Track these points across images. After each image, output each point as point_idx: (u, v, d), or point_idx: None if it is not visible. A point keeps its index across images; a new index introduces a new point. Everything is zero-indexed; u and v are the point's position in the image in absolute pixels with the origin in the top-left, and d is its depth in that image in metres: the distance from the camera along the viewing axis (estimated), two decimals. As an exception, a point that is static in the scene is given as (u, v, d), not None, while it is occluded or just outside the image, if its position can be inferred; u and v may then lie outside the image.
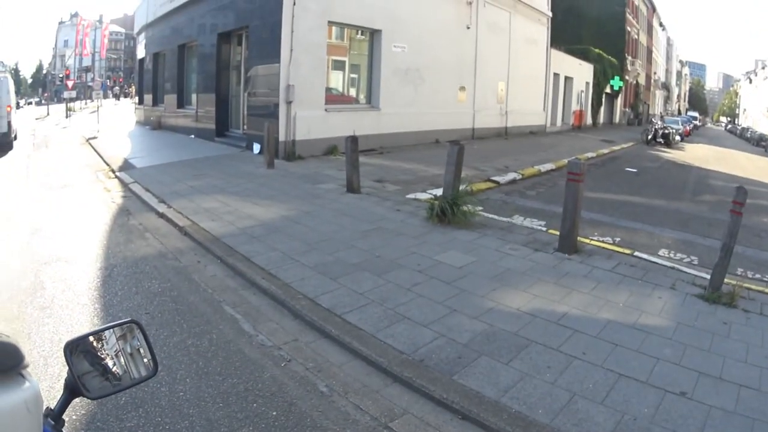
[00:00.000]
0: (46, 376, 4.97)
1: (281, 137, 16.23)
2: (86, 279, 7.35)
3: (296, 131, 16.59)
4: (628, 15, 61.02)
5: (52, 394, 4.59)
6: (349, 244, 8.29)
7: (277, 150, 15.70)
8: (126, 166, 15.80)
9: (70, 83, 46.09)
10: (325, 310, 5.99)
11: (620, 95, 59.17)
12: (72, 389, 1.72)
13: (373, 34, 19.58)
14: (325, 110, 17.51)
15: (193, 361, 5.17)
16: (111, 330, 1.84)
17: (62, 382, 4.54)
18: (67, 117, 42.28)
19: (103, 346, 1.81)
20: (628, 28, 61.82)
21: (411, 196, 11.57)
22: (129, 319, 1.89)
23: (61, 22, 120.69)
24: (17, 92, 34.63)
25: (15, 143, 26.77)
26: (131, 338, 1.87)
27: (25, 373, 1.67)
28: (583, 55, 44.05)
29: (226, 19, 19.73)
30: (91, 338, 1.79)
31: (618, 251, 8.81)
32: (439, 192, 10.78)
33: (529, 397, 4.43)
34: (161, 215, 10.13)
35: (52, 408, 1.68)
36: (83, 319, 6.12)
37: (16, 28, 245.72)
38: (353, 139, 11.54)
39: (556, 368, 4.87)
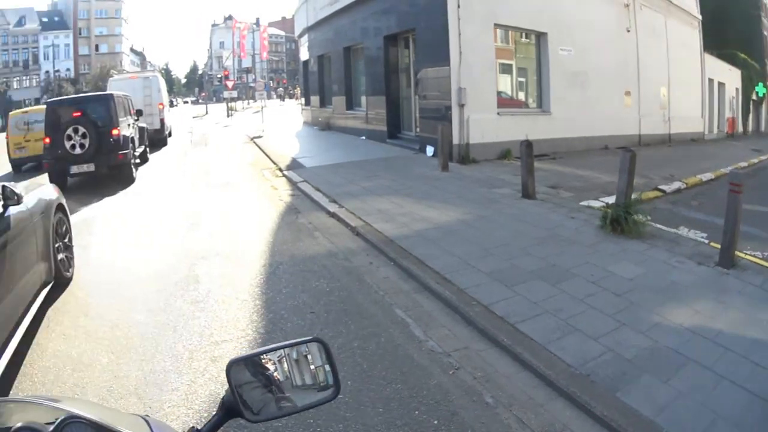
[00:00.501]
0: (189, 369, 5.21)
1: (455, 140, 16.31)
2: (248, 275, 7.63)
3: (470, 134, 16.64)
4: (763, 18, 57.12)
5: (193, 389, 4.88)
6: (524, 250, 8.21)
7: (450, 153, 15.81)
8: (294, 165, 16.30)
9: (230, 83, 47.97)
10: (498, 318, 5.96)
11: (764, 102, 55.47)
12: (229, 409, 1.71)
13: (539, 37, 19.40)
14: (498, 114, 17.49)
15: (357, 363, 5.22)
16: (289, 348, 1.80)
17: (206, 377, 5.01)
18: (228, 116, 44.06)
19: (275, 364, 1.78)
20: (766, 33, 57.86)
21: (584, 203, 11.37)
22: (311, 337, 1.82)
23: (214, 25, 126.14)
24: (170, 91, 36.45)
25: (169, 140, 28.36)
26: (311, 357, 1.82)
27: None
28: (731, 60, 41.66)
29: (390, 22, 20.05)
30: (263, 357, 1.78)
31: (768, 267, 8.35)
32: (610, 200, 10.60)
33: (681, 418, 4.33)
34: (332, 215, 10.33)
35: (199, 429, 1.69)
36: (240, 315, 6.37)
37: (168, 30, 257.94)
38: (528, 144, 11.49)
39: (706, 388, 4.72)
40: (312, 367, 1.82)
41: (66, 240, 8.25)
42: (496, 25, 17.84)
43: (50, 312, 7.01)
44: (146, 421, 1.67)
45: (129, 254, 9.24)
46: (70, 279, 8.02)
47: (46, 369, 5.64)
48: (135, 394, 4.88)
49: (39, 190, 7.91)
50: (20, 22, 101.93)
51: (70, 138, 15.37)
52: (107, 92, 18.38)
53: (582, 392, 4.65)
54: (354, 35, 23.53)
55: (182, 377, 5.07)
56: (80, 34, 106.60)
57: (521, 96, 20.09)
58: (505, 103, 18.40)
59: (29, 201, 7.01)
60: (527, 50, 19.89)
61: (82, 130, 15.36)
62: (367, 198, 11.19)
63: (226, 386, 1.68)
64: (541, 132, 17.93)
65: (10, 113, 26.44)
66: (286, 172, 15.22)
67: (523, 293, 6.63)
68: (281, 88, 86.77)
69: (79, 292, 7.66)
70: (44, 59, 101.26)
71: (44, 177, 15.77)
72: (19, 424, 1.44)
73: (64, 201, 8.45)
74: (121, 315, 6.67)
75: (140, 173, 17.88)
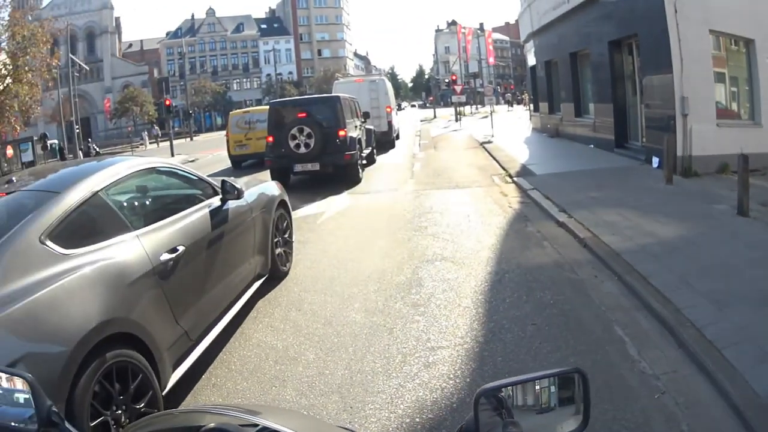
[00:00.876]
0: (400, 373, 5.06)
1: (678, 152, 15.43)
2: (472, 282, 7.42)
3: (692, 146, 15.67)
4: None
5: (399, 393, 4.72)
6: (740, 272, 7.48)
7: (674, 165, 14.96)
8: (524, 171, 16.01)
9: (458, 88, 48.15)
10: (707, 342, 5.44)
11: None
12: None
13: (748, 44, 17.88)
14: (717, 125, 16.35)
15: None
16: (544, 379, 1.65)
17: (415, 382, 4.76)
18: (456, 120, 44.33)
19: (526, 393, 1.64)
20: None
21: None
22: (573, 367, 1.67)
23: (438, 30, 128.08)
24: (396, 95, 37.19)
25: (397, 143, 28.82)
26: (565, 388, 1.67)
27: None
28: None
29: (613, 27, 19.17)
30: (516, 387, 1.64)
31: None
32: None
33: None
34: (561, 224, 9.98)
35: None
36: (461, 322, 6.16)
37: (392, 35, 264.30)
38: (745, 158, 10.59)
39: None
40: (562, 396, 1.66)
41: (286, 235, 8.49)
42: (711, 32, 16.64)
43: (261, 304, 7.21)
44: None
45: (350, 253, 9.32)
46: (286, 273, 8.23)
47: (246, 358, 5.77)
48: (338, 393, 4.85)
49: (261, 186, 8.23)
50: (238, 29, 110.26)
51: (294, 137, 15.92)
52: (334, 94, 19.01)
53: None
54: (578, 40, 22.81)
55: (390, 380, 4.94)
56: (301, 39, 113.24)
57: (734, 107, 18.65)
58: (721, 114, 17.15)
59: (250, 196, 7.29)
60: (737, 58, 18.40)
61: (307, 130, 15.87)
62: (595, 208, 10.68)
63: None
64: (754, 145, 16.51)
65: (231, 113, 28.11)
66: (515, 179, 14.92)
67: (733, 317, 5.97)
68: (509, 94, 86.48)
69: (295, 286, 7.81)
70: (265, 63, 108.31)
71: (265, 174, 16.51)
72: (212, 425, 1.58)
73: (286, 198, 8.71)
74: (335, 312, 6.70)
75: (366, 174, 18.23)
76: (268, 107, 20.00)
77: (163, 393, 4.55)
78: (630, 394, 4.71)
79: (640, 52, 17.66)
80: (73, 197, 4.57)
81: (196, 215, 5.95)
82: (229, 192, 6.56)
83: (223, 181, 6.69)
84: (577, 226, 9.60)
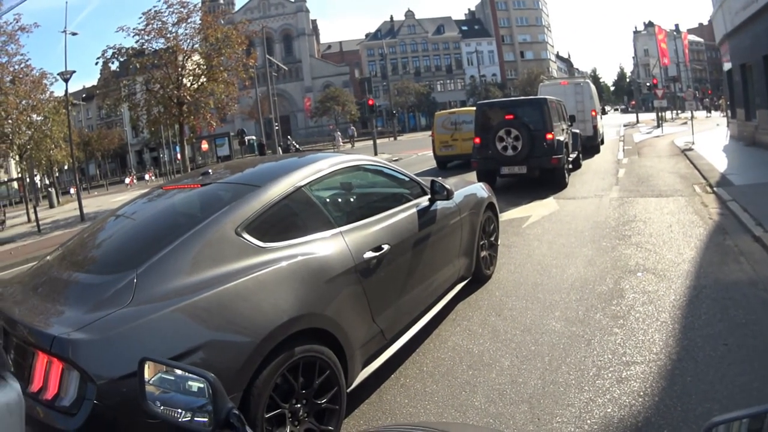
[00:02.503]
0: (592, 387, 4.90)
1: None
2: (671, 295, 7.07)
3: None
4: None
5: (589, 408, 4.58)
6: None
7: None
8: (723, 181, 15.02)
9: (659, 92, 45.93)
10: None
11: None
12: None
13: None
14: None
15: (749, 406, 4.53)
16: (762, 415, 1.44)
17: (606, 398, 4.65)
18: (658, 126, 42.44)
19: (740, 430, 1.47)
20: None
21: None
22: None
23: (635, 31, 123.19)
24: (599, 98, 35.68)
25: (602, 147, 27.67)
26: None
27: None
28: None
29: None
30: (741, 421, 1.47)
31: None
32: None
33: None
34: (757, 239, 9.30)
35: None
36: (657, 337, 5.87)
37: (593, 36, 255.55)
38: None
39: None
40: None
41: (492, 238, 8.35)
42: None
43: (460, 306, 7.15)
44: None
45: (554, 259, 9.13)
46: (489, 277, 8.13)
47: (439, 360, 5.72)
48: (527, 402, 4.75)
49: (471, 188, 8.08)
50: (439, 31, 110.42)
51: (501, 140, 15.66)
52: (541, 97, 18.37)
53: None
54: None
55: (582, 394, 4.82)
56: (503, 41, 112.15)
57: None
58: None
59: (458, 197, 7.12)
60: None
61: (514, 132, 15.54)
62: (790, 223, 9.84)
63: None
64: None
65: (436, 113, 27.83)
66: (715, 189, 14.04)
67: None
68: (707, 99, 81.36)
69: (496, 291, 7.73)
70: (468, 64, 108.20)
71: (471, 175, 16.40)
72: None
73: (494, 200, 8.56)
74: (535, 320, 6.57)
75: (572, 179, 17.74)
76: (474, 108, 19.72)
77: (349, 390, 4.52)
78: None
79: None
80: (275, 191, 4.58)
81: (403, 214, 5.84)
82: (439, 192, 6.45)
83: (433, 181, 6.59)
84: (772, 241, 8.99)
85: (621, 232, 10.53)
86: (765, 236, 9.18)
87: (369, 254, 4.93)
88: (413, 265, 5.83)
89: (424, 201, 6.35)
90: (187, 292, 3.64)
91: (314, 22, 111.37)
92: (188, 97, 27.67)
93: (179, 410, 1.95)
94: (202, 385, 1.88)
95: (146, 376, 2.03)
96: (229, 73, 29.35)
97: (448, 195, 6.54)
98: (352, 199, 6.11)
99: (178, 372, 2.00)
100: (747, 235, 9.65)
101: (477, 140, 16.78)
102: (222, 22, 32.61)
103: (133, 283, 3.60)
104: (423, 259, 6.04)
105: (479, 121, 17.06)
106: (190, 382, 1.95)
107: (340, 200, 5.81)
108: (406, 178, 6.57)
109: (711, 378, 4.92)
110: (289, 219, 4.77)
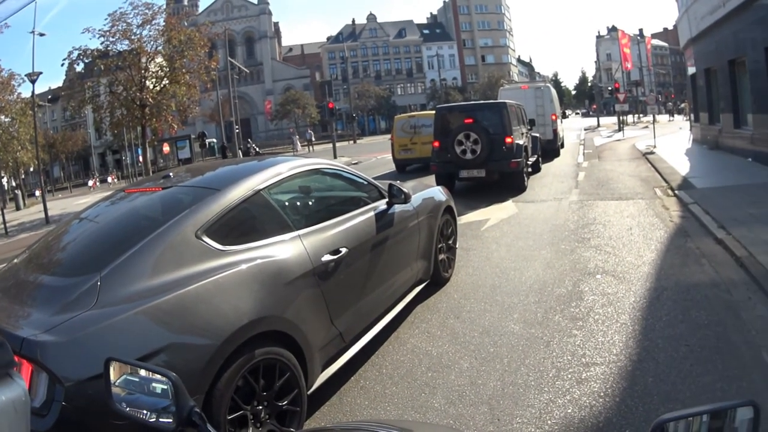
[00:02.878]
0: (552, 388, 4.88)
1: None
2: (631, 297, 7.06)
3: None
4: None
5: (549, 409, 4.57)
6: None
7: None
8: (684, 185, 15.17)
9: (621, 96, 46.37)
10: None
11: None
12: None
13: None
14: None
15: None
16: (716, 411, 1.49)
17: (566, 399, 4.53)
18: (619, 130, 42.84)
19: (692, 426, 1.48)
20: None
21: None
22: (746, 399, 1.50)
23: (599, 36, 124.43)
24: (560, 103, 36.08)
25: (562, 151, 28.04)
26: (728, 422, 1.49)
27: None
28: None
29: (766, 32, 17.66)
30: (692, 418, 1.48)
31: None
32: None
33: None
34: (719, 241, 9.37)
35: None
36: (617, 339, 5.86)
37: (554, 40, 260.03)
38: None
39: None
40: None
41: (450, 242, 8.34)
42: None
43: (419, 309, 7.12)
44: None
45: (513, 262, 9.10)
46: (447, 280, 8.10)
47: (398, 362, 5.70)
48: (487, 404, 4.72)
49: (429, 191, 8.10)
50: (400, 34, 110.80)
51: (461, 143, 15.67)
52: (500, 101, 18.51)
53: None
54: (735, 47, 21.09)
55: (542, 395, 4.77)
56: (464, 45, 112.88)
57: None
58: None
59: (416, 200, 7.16)
60: None
61: (474, 136, 15.57)
62: (753, 226, 9.90)
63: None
64: None
65: (396, 117, 28.13)
66: (677, 192, 14.17)
67: None
68: (670, 103, 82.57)
69: (455, 293, 7.69)
70: (428, 68, 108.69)
71: (430, 178, 16.39)
72: None
73: (452, 203, 8.54)
74: (493, 322, 6.53)
75: (532, 182, 17.87)
76: (434, 112, 19.79)
77: (309, 392, 4.53)
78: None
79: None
80: (234, 195, 4.58)
81: (361, 218, 5.87)
82: (396, 196, 6.48)
83: (391, 185, 6.59)
84: (733, 243, 8.97)
85: (580, 235, 10.54)
86: (727, 238, 9.23)
87: (327, 257, 4.95)
88: (371, 268, 5.85)
89: (382, 204, 6.36)
90: (150, 294, 3.68)
91: (276, 24, 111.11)
92: (150, 100, 27.75)
93: (145, 411, 1.98)
94: (166, 387, 1.91)
95: (112, 376, 2.06)
96: (191, 76, 29.51)
97: (406, 198, 6.59)
98: (310, 203, 6.11)
99: (143, 373, 2.03)
100: (709, 237, 9.70)
101: (436, 144, 16.85)
102: (186, 24, 32.93)
103: (98, 286, 3.64)
104: (381, 262, 6.05)
105: (439, 124, 17.10)
106: (154, 384, 1.99)
107: (298, 203, 5.82)
108: (365, 182, 6.57)
109: (673, 379, 4.89)
110: (248, 222, 4.77)
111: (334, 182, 6.57)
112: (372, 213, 6.09)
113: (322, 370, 4.81)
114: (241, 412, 3.88)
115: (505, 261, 9.17)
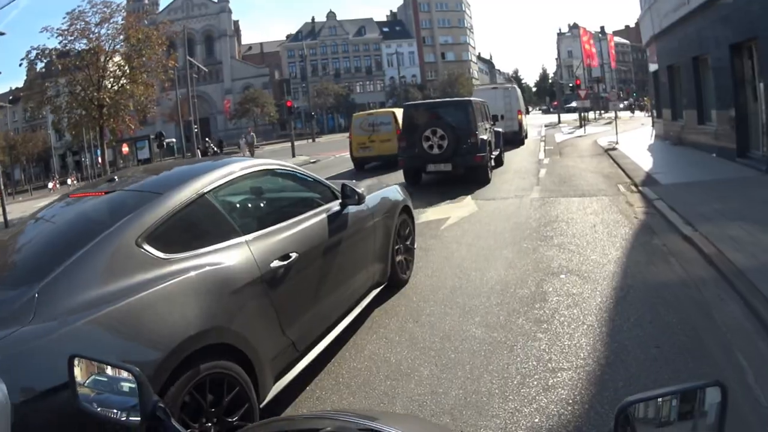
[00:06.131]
0: (517, 396, 4.78)
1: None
2: (597, 298, 6.99)
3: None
4: None
5: (514, 419, 4.50)
6: None
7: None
8: (649, 181, 15.35)
9: (582, 93, 46.84)
10: None
11: None
12: None
13: None
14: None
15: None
16: (683, 392, 1.54)
17: (532, 407, 4.45)
18: (581, 126, 43.27)
19: (661, 410, 1.54)
20: None
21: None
22: (713, 380, 1.57)
23: (560, 33, 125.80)
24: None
25: (523, 148, 30.12)
26: (698, 404, 1.54)
27: None
28: None
29: (732, 30, 17.98)
30: (660, 400, 1.54)
31: None
32: None
33: None
34: (686, 238, 9.38)
35: None
36: (583, 342, 5.77)
37: (515, 38, 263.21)
38: None
39: None
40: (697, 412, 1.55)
41: (408, 242, 8.25)
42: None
43: (377, 313, 7.01)
44: None
45: (474, 262, 9.01)
46: (406, 282, 8.01)
47: (355, 371, 5.58)
48: (449, 414, 4.59)
49: (385, 190, 8.00)
50: (360, 32, 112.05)
51: (428, 139, 16.65)
52: (466, 98, 20.24)
53: None
54: (699, 44, 21.48)
55: (507, 403, 4.65)
56: (424, 42, 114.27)
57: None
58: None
59: (372, 200, 7.08)
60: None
61: (440, 132, 16.53)
62: (719, 221, 9.96)
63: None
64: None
65: (354, 115, 28.27)
66: (641, 188, 14.33)
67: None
68: (631, 99, 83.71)
69: (414, 296, 7.58)
70: (388, 66, 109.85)
71: (389, 176, 17.00)
72: (329, 429, 1.65)
73: (410, 203, 8.46)
74: (454, 326, 6.41)
75: (493, 178, 18.24)
76: (392, 110, 21.83)
77: (261, 405, 4.38)
78: (741, 425, 4.28)
79: (760, 55, 16.50)
80: (176, 199, 4.43)
81: (312, 220, 5.74)
82: (350, 196, 6.38)
83: (344, 185, 6.50)
84: (701, 240, 9.00)
85: (543, 233, 10.51)
86: (695, 235, 9.25)
87: (276, 263, 4.83)
88: (324, 272, 5.74)
89: (334, 206, 6.26)
90: (89, 307, 3.52)
91: (236, 23, 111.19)
92: (108, 100, 27.59)
93: (114, 410, 2.01)
94: (133, 386, 1.93)
95: (78, 376, 2.10)
96: (149, 75, 29.58)
97: (359, 199, 6.49)
98: (259, 206, 6.00)
99: (110, 372, 2.08)
100: (676, 234, 9.72)
101: (403, 140, 17.86)
102: (146, 22, 32.91)
103: (35, 299, 3.49)
104: (335, 266, 5.94)
105: (406, 121, 18.14)
106: (122, 383, 2.02)
107: (247, 207, 5.71)
108: (317, 182, 6.47)
109: (644, 381, 4.80)
110: (191, 228, 4.60)
111: (285, 183, 6.45)
112: (324, 215, 5.98)
113: (275, 382, 4.67)
114: (189, 430, 3.69)
115: (465, 261, 9.07)
